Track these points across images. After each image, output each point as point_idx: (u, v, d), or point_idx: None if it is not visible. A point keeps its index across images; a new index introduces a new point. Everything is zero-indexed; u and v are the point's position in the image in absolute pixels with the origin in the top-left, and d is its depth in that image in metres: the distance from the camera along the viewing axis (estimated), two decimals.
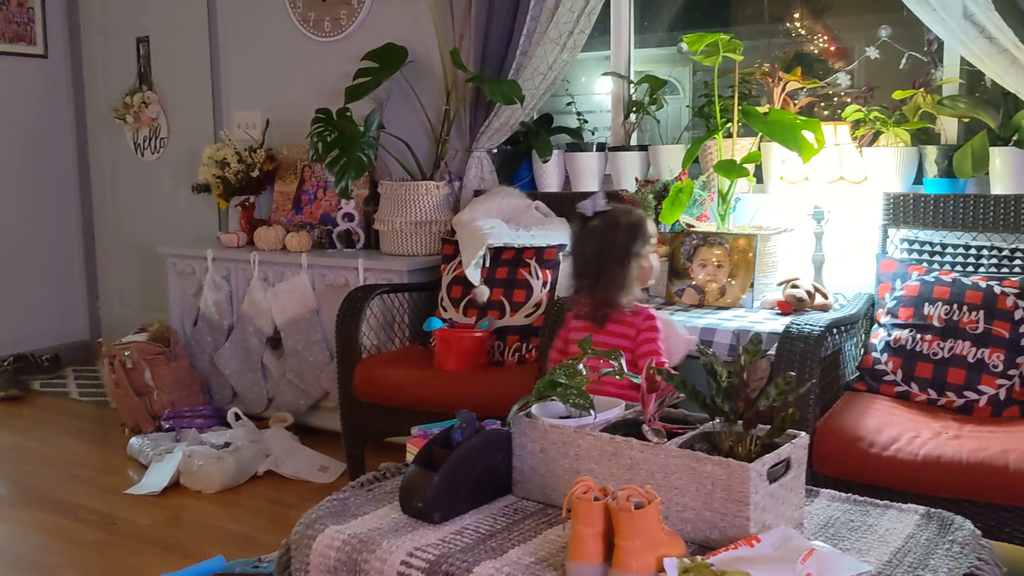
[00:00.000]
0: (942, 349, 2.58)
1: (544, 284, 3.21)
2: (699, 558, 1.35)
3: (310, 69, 4.28)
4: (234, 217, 4.38)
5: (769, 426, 1.53)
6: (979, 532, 1.53)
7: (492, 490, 1.68)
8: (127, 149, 4.99)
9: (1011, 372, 2.49)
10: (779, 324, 2.62)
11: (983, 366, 2.52)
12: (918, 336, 2.62)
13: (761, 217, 3.24)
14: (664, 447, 1.51)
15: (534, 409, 1.70)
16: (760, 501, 1.44)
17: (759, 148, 3.19)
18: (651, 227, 2.32)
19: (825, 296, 2.85)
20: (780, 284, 2.89)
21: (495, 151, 3.79)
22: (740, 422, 1.50)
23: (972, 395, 2.51)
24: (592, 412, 1.63)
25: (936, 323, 2.61)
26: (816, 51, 3.42)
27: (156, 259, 4.46)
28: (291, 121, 4.29)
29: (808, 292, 2.82)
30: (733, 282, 2.97)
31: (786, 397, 1.51)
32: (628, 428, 1.64)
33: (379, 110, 3.88)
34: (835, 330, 2.67)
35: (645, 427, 1.58)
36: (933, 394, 2.56)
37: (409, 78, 3.89)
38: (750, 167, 3.20)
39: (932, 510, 1.59)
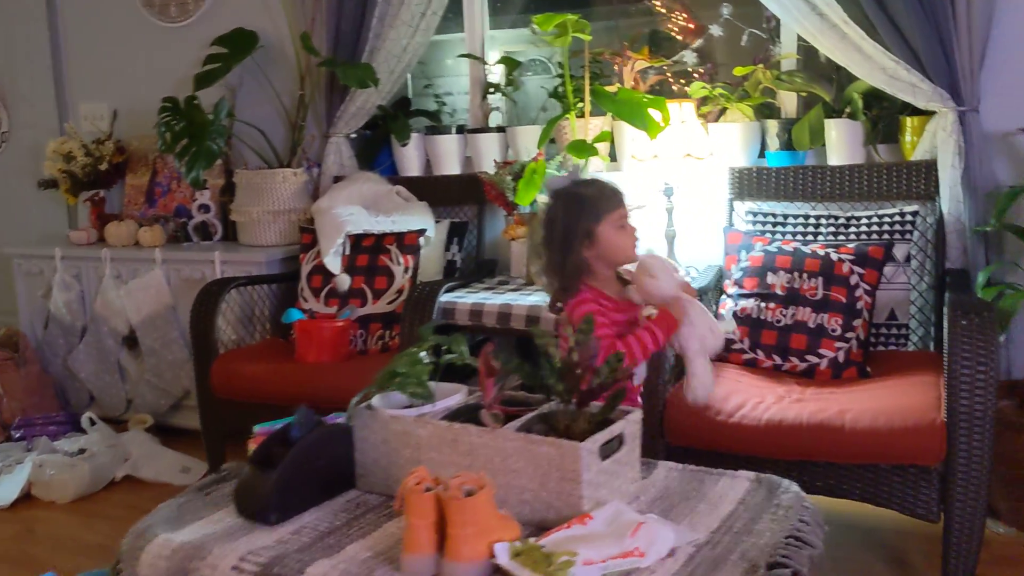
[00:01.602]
0: (785, 316, 2.68)
1: (406, 270, 3.18)
2: (532, 540, 1.37)
3: (158, 56, 4.11)
4: (84, 213, 4.18)
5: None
6: (803, 494, 1.60)
7: (335, 485, 1.66)
8: None
9: (848, 335, 2.61)
10: None
11: (823, 331, 2.63)
12: (763, 305, 2.71)
13: None
14: (500, 431, 1.52)
15: (375, 400, 1.68)
16: (593, 478, 1.46)
17: (612, 127, 3.25)
18: (609, 196, 2.05)
19: (676, 270, 2.91)
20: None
21: (354, 136, 3.73)
22: (574, 402, 1.52)
23: (814, 359, 2.62)
24: (432, 400, 1.62)
25: (779, 291, 2.71)
26: (670, 30, 3.49)
27: (1, 260, 4.22)
28: (141, 111, 4.11)
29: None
30: None
31: (616, 375, 1.54)
32: (470, 414, 1.64)
33: (230, 97, 3.76)
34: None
35: (483, 412, 1.59)
36: (778, 360, 2.66)
37: (261, 64, 3.79)
38: (604, 146, 3.26)
39: (762, 475, 1.65)
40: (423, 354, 1.71)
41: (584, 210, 2.02)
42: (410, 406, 1.67)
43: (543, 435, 1.55)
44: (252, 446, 1.73)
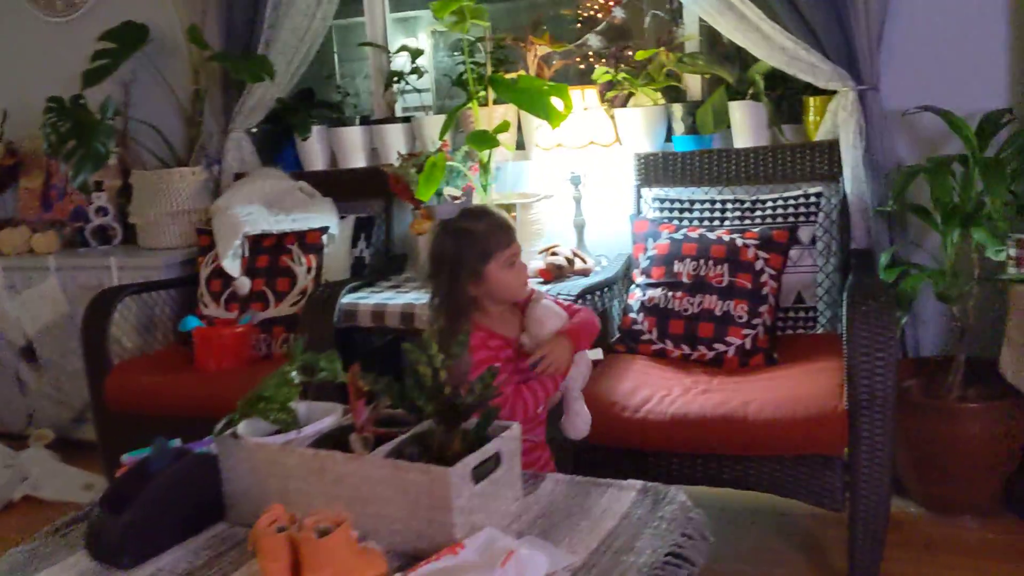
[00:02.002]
0: (692, 304, 2.64)
1: (309, 270, 3.08)
2: (399, 575, 1.30)
3: (47, 53, 3.92)
4: None
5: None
6: (689, 504, 1.55)
7: (202, 519, 1.56)
8: None
9: (755, 322, 2.58)
10: None
11: (729, 318, 2.59)
12: (670, 294, 2.67)
13: (524, 184, 3.22)
14: (368, 458, 1.44)
15: (242, 426, 1.59)
16: (465, 504, 1.39)
17: (517, 115, 3.17)
18: (499, 233, 1.90)
19: (584, 260, 2.86)
20: (541, 252, 2.88)
21: (255, 131, 3.59)
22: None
23: (721, 347, 2.59)
24: (297, 426, 1.54)
25: (686, 279, 2.67)
26: (576, 14, 3.41)
27: None
28: (33, 111, 3.90)
29: (568, 258, 2.82)
30: None
31: (491, 390, 1.47)
32: (343, 437, 1.56)
33: (123, 94, 3.60)
34: (596, 294, 2.70)
35: (352, 436, 1.50)
36: (686, 349, 2.62)
37: (154, 58, 3.63)
38: (511, 135, 3.18)
39: (649, 484, 1.59)
40: (293, 373, 1.62)
41: (472, 247, 1.87)
42: (279, 431, 1.58)
43: (417, 457, 1.47)
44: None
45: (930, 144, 2.74)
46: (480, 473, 1.43)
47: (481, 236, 1.89)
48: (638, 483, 1.61)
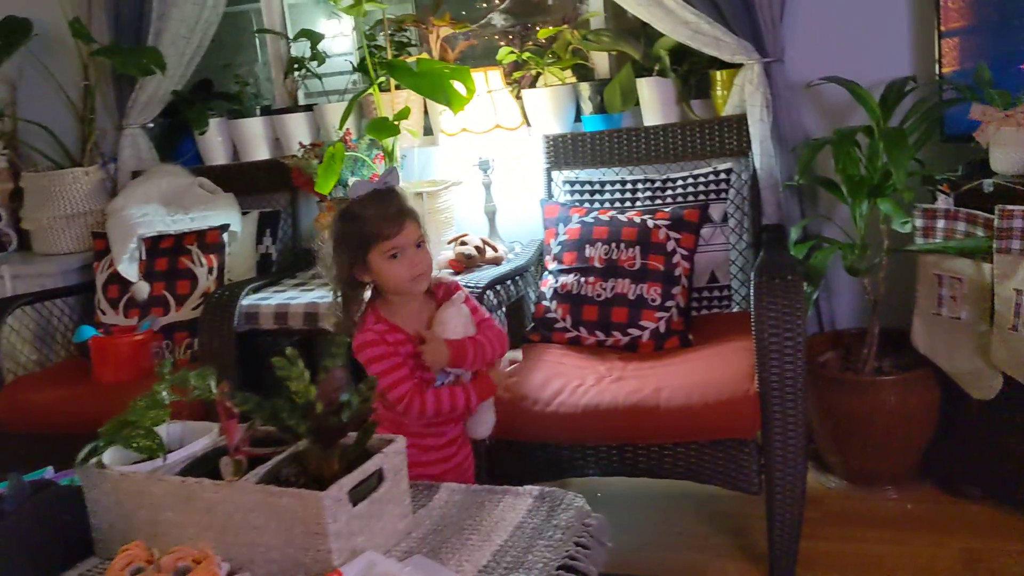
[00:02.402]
0: (605, 289, 2.57)
1: (210, 271, 2.95)
2: None
3: None
4: None
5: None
6: (587, 508, 1.48)
7: (70, 555, 1.45)
8: None
9: (668, 304, 2.53)
10: None
11: (643, 302, 2.54)
12: (582, 279, 2.60)
13: (433, 171, 3.12)
14: (238, 484, 1.35)
15: (108, 454, 1.48)
16: (343, 528, 1.31)
17: (423, 100, 3.06)
18: (385, 223, 1.79)
19: (495, 249, 2.78)
20: (450, 242, 2.79)
21: (151, 126, 3.43)
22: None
23: (635, 332, 2.53)
24: (163, 453, 1.44)
25: (598, 264, 2.60)
26: None
27: None
28: None
29: (477, 247, 2.73)
30: None
31: (368, 405, 1.39)
32: (216, 461, 1.46)
33: (9, 93, 3.41)
34: (507, 283, 2.62)
35: (223, 460, 1.41)
36: (601, 336, 2.56)
37: (40, 54, 3.44)
38: (417, 123, 3.07)
39: (546, 490, 1.53)
40: (164, 393, 1.52)
41: (357, 234, 1.80)
42: (150, 458, 1.47)
43: (294, 479, 1.38)
44: None
45: (836, 116, 2.71)
46: (360, 493, 1.35)
47: (366, 223, 1.80)
48: (535, 489, 1.54)
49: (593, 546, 1.39)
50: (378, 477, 1.40)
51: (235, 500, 1.34)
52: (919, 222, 2.37)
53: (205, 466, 1.45)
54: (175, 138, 3.48)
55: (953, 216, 2.31)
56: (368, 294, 1.90)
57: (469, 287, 2.41)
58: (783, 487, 2.14)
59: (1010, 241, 2.16)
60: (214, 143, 3.39)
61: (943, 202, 2.32)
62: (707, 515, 2.55)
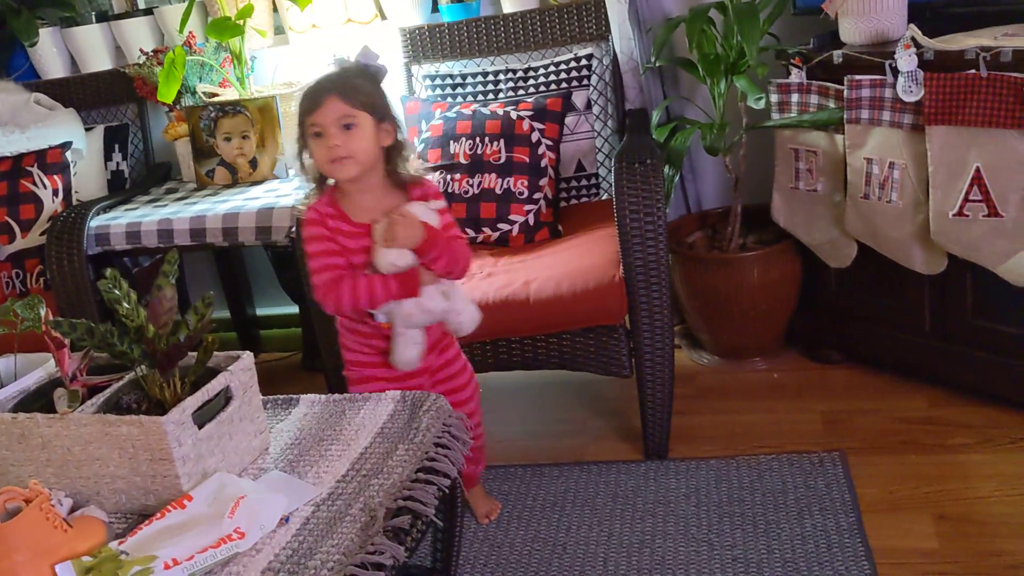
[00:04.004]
0: (472, 186, 2.53)
1: (55, 193, 2.77)
2: (113, 544, 1.17)
3: None
4: None
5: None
6: (448, 407, 1.47)
7: None
8: None
9: (536, 196, 2.50)
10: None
11: (510, 195, 2.51)
12: (449, 177, 2.55)
13: (285, 73, 2.97)
14: (73, 416, 1.28)
15: None
16: (190, 452, 1.27)
17: None
18: (312, 96, 1.71)
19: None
20: None
21: None
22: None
23: (505, 226, 2.51)
24: None
25: (463, 160, 2.55)
26: None
27: None
28: None
29: None
30: (263, 152, 2.72)
31: (207, 321, 1.33)
32: (52, 393, 1.38)
33: None
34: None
35: (57, 392, 1.34)
36: (472, 233, 2.52)
37: None
38: (266, 21, 2.90)
39: (407, 393, 1.51)
40: None
41: (301, 106, 1.74)
42: None
43: (135, 406, 1.32)
44: None
45: None
46: (205, 414, 1.30)
47: (305, 96, 1.73)
48: (396, 394, 1.52)
49: (453, 446, 1.38)
50: (226, 396, 1.35)
51: (72, 433, 1.28)
52: (774, 97, 2.38)
53: (40, 400, 1.38)
54: (4, 52, 3.20)
55: (806, 90, 2.33)
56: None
57: None
58: (652, 368, 2.18)
59: (859, 111, 2.20)
60: (49, 55, 3.14)
61: (796, 76, 2.33)
62: (584, 401, 2.60)
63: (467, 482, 2.03)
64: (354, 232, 1.77)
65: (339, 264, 1.75)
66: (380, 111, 1.73)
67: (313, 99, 1.70)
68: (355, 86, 1.72)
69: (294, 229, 2.29)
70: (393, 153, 1.77)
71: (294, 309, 3.19)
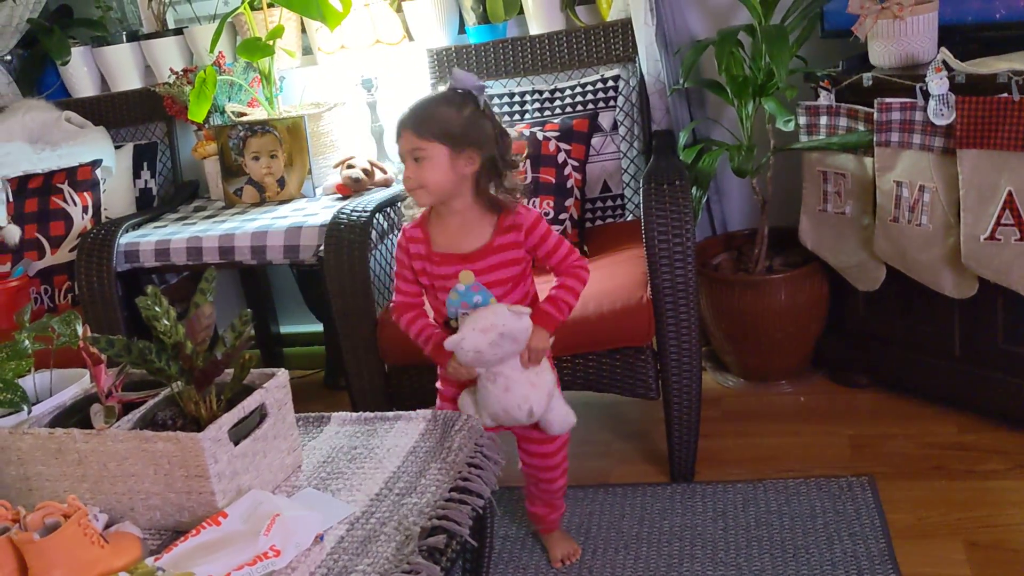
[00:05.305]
0: None
1: (85, 210, 2.80)
2: (150, 561, 1.17)
3: None
4: None
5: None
6: (480, 428, 1.47)
7: None
8: None
9: (562, 217, 2.51)
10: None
11: None
12: None
13: (313, 93, 3.00)
14: (109, 432, 1.29)
15: None
16: (225, 468, 1.27)
17: (300, 18, 2.92)
18: (402, 120, 1.72)
19: (384, 171, 2.70)
20: (337, 166, 2.70)
21: (8, 58, 3.20)
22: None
23: None
24: (26, 404, 1.36)
25: None
26: None
27: None
28: None
29: (365, 170, 2.65)
30: (291, 171, 2.74)
31: (245, 338, 1.33)
32: (89, 408, 1.39)
33: None
34: (398, 205, 2.56)
35: (93, 408, 1.34)
36: None
37: None
38: (294, 42, 2.93)
39: (439, 412, 1.51)
40: (26, 343, 1.43)
41: None
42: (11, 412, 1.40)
43: (171, 422, 1.33)
44: None
45: (720, 16, 2.68)
46: (241, 431, 1.30)
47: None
48: (428, 412, 1.52)
49: (486, 466, 1.38)
50: (260, 413, 1.35)
51: (107, 449, 1.28)
52: (802, 120, 2.38)
53: (76, 415, 1.39)
54: (36, 70, 3.25)
55: (835, 112, 2.33)
56: None
57: (356, 212, 2.35)
58: (679, 390, 2.17)
59: (889, 134, 2.19)
60: (80, 74, 3.18)
61: (825, 98, 2.33)
62: (609, 423, 2.59)
63: (547, 526, 2.02)
64: (429, 255, 1.76)
65: (409, 291, 1.80)
66: (459, 140, 1.66)
67: (396, 130, 1.71)
68: (430, 117, 1.67)
69: (321, 248, 2.30)
70: (481, 178, 1.71)
71: (317, 327, 3.20)
